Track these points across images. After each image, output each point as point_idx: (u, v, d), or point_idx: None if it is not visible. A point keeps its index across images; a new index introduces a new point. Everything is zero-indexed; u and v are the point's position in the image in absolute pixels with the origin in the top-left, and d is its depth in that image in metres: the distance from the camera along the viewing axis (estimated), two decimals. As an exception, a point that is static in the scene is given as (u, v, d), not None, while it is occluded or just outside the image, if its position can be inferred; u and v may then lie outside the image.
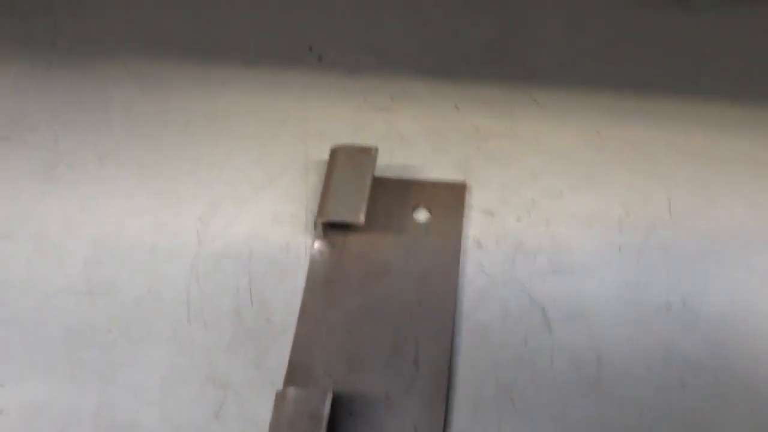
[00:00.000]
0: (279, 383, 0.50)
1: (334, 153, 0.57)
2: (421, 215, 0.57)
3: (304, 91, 0.64)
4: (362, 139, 0.60)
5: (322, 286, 0.54)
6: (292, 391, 0.48)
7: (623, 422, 0.50)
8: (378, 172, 0.58)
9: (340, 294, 0.54)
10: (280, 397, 0.48)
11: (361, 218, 0.54)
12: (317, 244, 0.56)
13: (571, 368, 0.51)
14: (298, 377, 0.50)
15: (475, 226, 0.56)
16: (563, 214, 0.57)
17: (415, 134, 0.61)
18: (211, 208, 0.58)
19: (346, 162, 0.56)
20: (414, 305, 0.53)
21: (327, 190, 0.55)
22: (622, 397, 0.50)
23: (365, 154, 0.56)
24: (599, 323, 0.52)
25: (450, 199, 0.57)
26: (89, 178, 0.60)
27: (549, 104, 0.62)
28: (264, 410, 0.50)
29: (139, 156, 0.61)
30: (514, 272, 0.54)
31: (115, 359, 0.52)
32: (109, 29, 0.68)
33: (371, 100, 0.63)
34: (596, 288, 0.54)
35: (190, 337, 0.53)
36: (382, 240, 0.56)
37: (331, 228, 0.56)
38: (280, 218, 0.57)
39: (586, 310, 0.53)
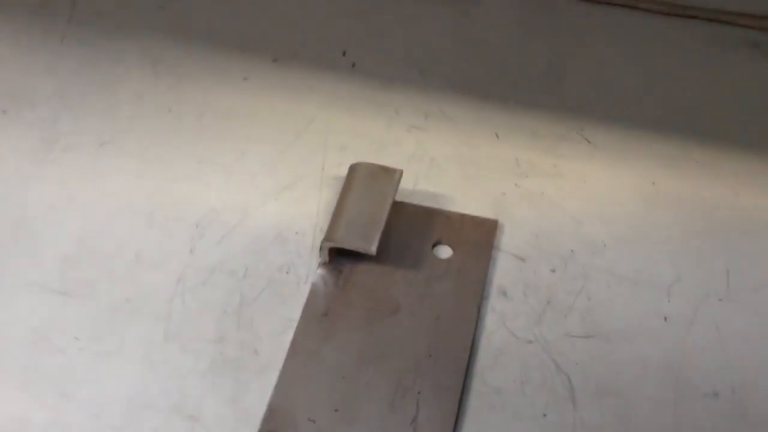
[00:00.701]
0: (254, 425, 0.44)
1: (353, 170, 0.51)
2: (443, 251, 0.50)
3: (331, 98, 0.58)
4: (388, 157, 0.53)
5: (320, 319, 0.47)
6: (266, 438, 0.42)
7: None
8: (399, 197, 0.51)
9: (338, 330, 0.47)
10: (251, 444, 0.42)
11: (373, 248, 0.47)
12: (321, 270, 0.49)
13: (594, 452, 0.44)
14: (278, 422, 0.44)
15: (502, 272, 0.49)
16: (605, 270, 0.49)
17: (447, 159, 0.55)
18: (210, 215, 0.52)
19: (366, 182, 0.50)
20: (421, 354, 0.46)
21: (339, 212, 0.49)
22: (650, 495, 0.43)
23: (388, 176, 0.50)
24: (633, 403, 0.45)
25: (477, 237, 0.50)
26: (84, 166, 0.55)
27: (602, 145, 0.55)
28: (233, 454, 0.43)
29: (142, 148, 0.55)
30: (541, 330, 0.47)
31: (78, 372, 0.46)
32: (130, 7, 0.62)
33: (403, 117, 0.57)
34: (634, 361, 0.46)
35: (165, 357, 0.46)
36: (395, 274, 0.49)
37: (338, 254, 0.49)
38: (284, 235, 0.51)
39: (619, 386, 0.45)
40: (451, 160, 0.54)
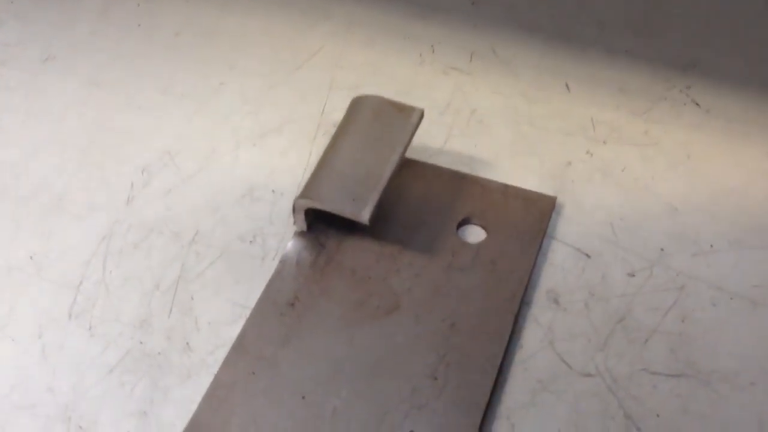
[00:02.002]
0: (163, 452, 0.30)
1: (356, 105, 0.36)
2: (472, 233, 0.35)
3: (348, 24, 0.45)
4: (414, 103, 0.39)
5: (284, 309, 0.33)
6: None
7: None
8: (419, 154, 0.37)
9: (307, 328, 0.32)
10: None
11: (367, 215, 0.32)
12: (294, 242, 0.35)
13: None
14: (194, 451, 0.30)
15: (556, 270, 0.34)
16: (710, 282, 0.34)
17: (494, 113, 0.40)
18: (162, 159, 0.39)
19: (370, 122, 0.35)
20: (423, 376, 0.31)
21: (327, 161, 0.35)
22: None
23: (402, 117, 0.35)
24: (741, 488, 0.29)
25: (524, 218, 0.35)
26: (20, 84, 0.43)
27: (716, 110, 0.40)
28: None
29: (95, 68, 0.44)
30: (606, 360, 0.32)
31: (-57, 348, 0.33)
32: None
33: (441, 55, 0.43)
34: (746, 418, 0.31)
35: (64, 341, 0.33)
36: (398, 257, 0.34)
37: (321, 221, 0.35)
38: (257, 193, 0.37)
39: (720, 458, 0.29)
40: (500, 115, 0.40)
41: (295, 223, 0.35)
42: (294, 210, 0.34)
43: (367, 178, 0.33)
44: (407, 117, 0.35)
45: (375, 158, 0.34)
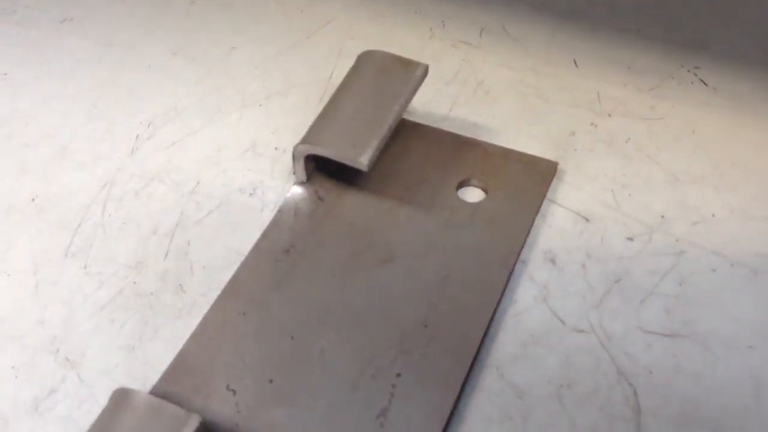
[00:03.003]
0: (149, 384, 0.29)
1: (361, 60, 0.36)
2: (471, 193, 0.35)
3: None
4: (420, 72, 0.39)
5: (279, 255, 0.33)
6: (141, 397, 0.27)
7: None
8: (426, 121, 0.37)
9: (300, 273, 0.32)
10: (118, 399, 0.27)
11: (365, 160, 0.32)
12: (294, 191, 0.35)
13: None
14: (180, 384, 0.29)
15: (554, 232, 0.34)
16: (710, 249, 0.33)
17: (501, 85, 0.40)
18: (168, 114, 0.39)
19: (374, 76, 0.35)
20: (412, 324, 0.31)
21: (330, 111, 0.35)
22: None
23: (406, 72, 0.35)
24: (732, 446, 0.28)
25: (525, 181, 0.35)
26: (36, 43, 0.44)
27: (723, 89, 0.39)
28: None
29: (110, 30, 0.44)
30: (600, 318, 0.31)
31: (-61, 279, 0.33)
32: None
33: (451, 30, 0.43)
34: (741, 380, 0.30)
35: (58, 277, 0.33)
36: (397, 212, 0.34)
37: (322, 171, 0.35)
38: (259, 149, 0.37)
39: (713, 415, 0.29)
40: (508, 87, 0.40)
41: (295, 172, 0.35)
42: (294, 158, 0.34)
43: (367, 127, 0.33)
44: (411, 71, 0.35)
45: (377, 108, 0.34)
